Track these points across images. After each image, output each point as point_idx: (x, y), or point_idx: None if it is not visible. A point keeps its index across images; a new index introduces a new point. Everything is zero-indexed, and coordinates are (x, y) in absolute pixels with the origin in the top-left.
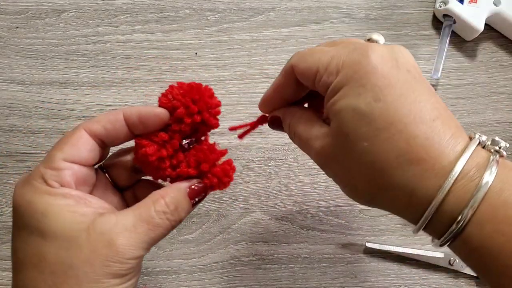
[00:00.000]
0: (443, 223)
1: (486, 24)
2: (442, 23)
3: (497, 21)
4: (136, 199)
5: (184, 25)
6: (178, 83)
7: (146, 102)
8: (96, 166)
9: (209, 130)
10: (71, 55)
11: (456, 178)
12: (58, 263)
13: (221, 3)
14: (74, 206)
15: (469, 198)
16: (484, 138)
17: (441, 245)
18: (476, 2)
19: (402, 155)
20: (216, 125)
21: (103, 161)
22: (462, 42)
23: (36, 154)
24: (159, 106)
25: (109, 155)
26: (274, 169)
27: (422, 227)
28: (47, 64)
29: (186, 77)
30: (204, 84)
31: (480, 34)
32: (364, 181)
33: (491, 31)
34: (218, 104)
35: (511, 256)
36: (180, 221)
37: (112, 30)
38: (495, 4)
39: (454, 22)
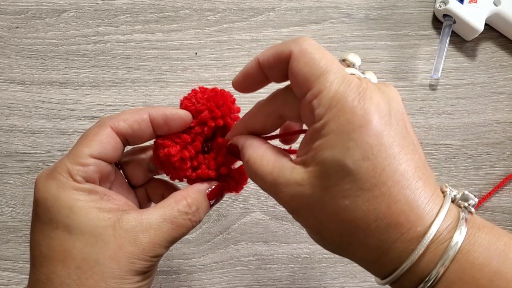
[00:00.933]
0: (411, 281)
1: (486, 24)
2: (442, 23)
3: (497, 21)
4: (148, 197)
5: (184, 25)
6: (201, 88)
7: (146, 102)
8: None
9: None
10: (71, 55)
11: (429, 241)
12: (84, 258)
13: (221, 3)
14: (100, 202)
15: (438, 259)
16: (455, 192)
17: None
18: (476, 2)
19: (381, 218)
20: None
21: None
22: (462, 42)
23: (36, 154)
24: (181, 108)
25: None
26: None
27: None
28: (47, 64)
29: (186, 77)
30: (206, 85)
31: (480, 34)
32: (336, 235)
33: (491, 31)
34: (239, 110)
35: None
36: (199, 222)
37: (112, 30)
38: (495, 4)
39: (454, 22)
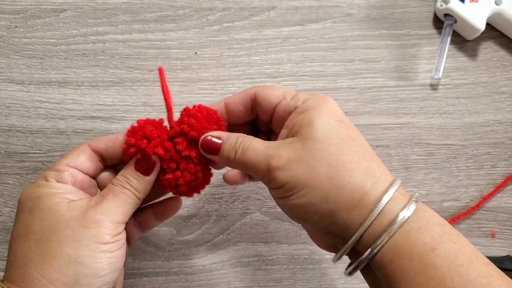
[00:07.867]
0: (364, 248)
1: (487, 24)
2: (443, 22)
3: (498, 20)
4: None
5: (183, 24)
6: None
7: (145, 102)
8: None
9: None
10: (70, 55)
11: (381, 210)
12: (42, 231)
13: (221, 2)
14: (64, 194)
15: (385, 229)
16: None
17: (354, 269)
18: (477, 1)
19: (361, 162)
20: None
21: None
22: (463, 41)
23: (35, 154)
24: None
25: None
26: None
27: (349, 250)
28: (46, 63)
29: (186, 77)
30: (205, 85)
31: (481, 33)
32: (324, 178)
33: (492, 30)
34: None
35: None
36: (132, 187)
37: (112, 30)
38: (496, 4)
39: (455, 21)
